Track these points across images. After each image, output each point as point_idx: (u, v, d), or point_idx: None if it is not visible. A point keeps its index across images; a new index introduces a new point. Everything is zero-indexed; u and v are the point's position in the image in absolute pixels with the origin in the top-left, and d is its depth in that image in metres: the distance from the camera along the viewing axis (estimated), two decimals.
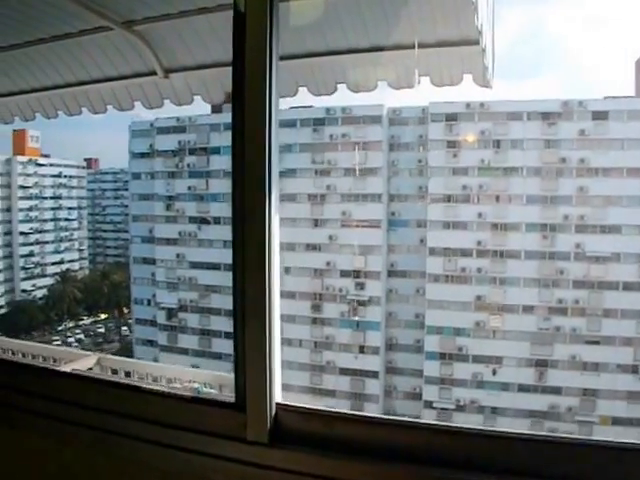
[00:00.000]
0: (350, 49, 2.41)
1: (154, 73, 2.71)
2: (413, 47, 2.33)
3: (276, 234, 1.13)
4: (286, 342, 20.99)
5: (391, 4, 2.28)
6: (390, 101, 20.19)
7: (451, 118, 19.92)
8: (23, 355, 4.04)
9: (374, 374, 20.76)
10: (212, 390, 3.51)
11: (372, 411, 20.32)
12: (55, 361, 4.08)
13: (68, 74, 2.94)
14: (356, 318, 21.15)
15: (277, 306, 1.18)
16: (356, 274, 21.30)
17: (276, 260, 1.16)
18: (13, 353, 3.93)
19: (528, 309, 19.29)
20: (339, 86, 2.50)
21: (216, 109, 21.43)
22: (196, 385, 3.55)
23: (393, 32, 2.37)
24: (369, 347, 20.93)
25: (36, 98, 3.18)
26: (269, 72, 1.07)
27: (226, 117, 20.85)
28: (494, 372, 19.34)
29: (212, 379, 3.85)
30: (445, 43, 2.29)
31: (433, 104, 19.94)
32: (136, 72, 2.79)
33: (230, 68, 1.98)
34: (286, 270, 21.08)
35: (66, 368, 3.39)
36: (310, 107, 20.97)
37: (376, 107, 20.36)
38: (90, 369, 3.77)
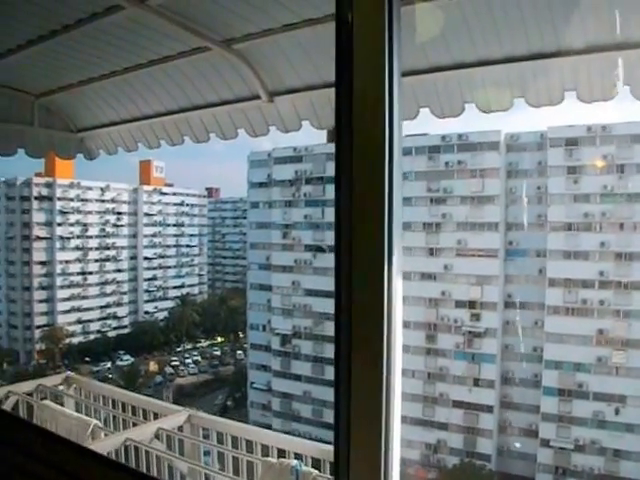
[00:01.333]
0: (480, 61, 3.00)
1: (258, 97, 3.72)
2: (557, 55, 2.84)
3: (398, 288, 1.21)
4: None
5: (532, 5, 2.77)
6: (504, 126, 31.60)
7: (571, 143, 30.58)
8: (113, 403, 5.06)
9: (488, 408, 31.94)
10: (313, 470, 3.45)
11: (486, 446, 31.59)
12: (145, 414, 4.58)
13: (169, 101, 4.25)
14: (471, 350, 32.73)
15: (398, 351, 1.21)
16: (471, 305, 32.92)
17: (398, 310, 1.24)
18: (103, 398, 5.17)
19: None
20: (466, 106, 3.10)
21: (332, 138, 35.44)
22: (294, 462, 3.43)
23: (532, 39, 2.86)
24: (484, 380, 32.22)
25: (137, 127, 4.71)
26: (388, 92, 1.21)
27: None
28: (617, 411, 28.90)
29: (316, 452, 3.70)
30: (597, 48, 2.75)
31: (552, 129, 30.83)
32: (238, 96, 3.88)
33: None
34: (402, 300, 33.64)
35: (152, 426, 4.30)
36: (425, 135, 33.52)
37: (493, 133, 31.99)
38: (180, 427, 4.37)
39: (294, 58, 3.51)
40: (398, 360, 1.27)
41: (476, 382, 32.30)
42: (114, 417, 4.96)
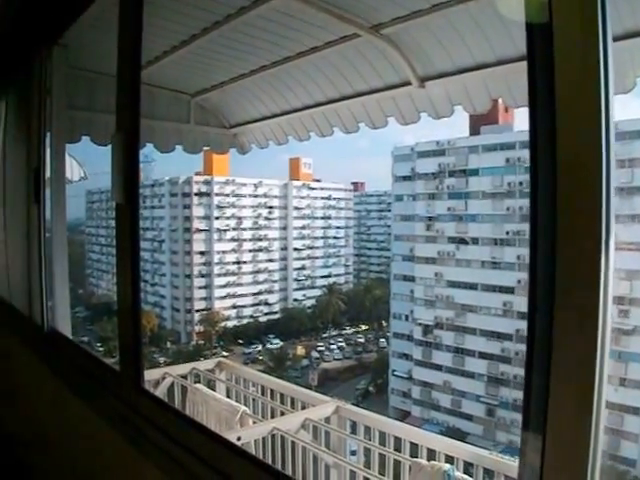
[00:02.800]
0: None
1: (408, 83, 3.90)
2: None
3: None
4: None
5: None
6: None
7: None
8: (262, 389, 5.33)
9: (635, 410, 33.71)
10: (467, 477, 3.40)
11: (630, 451, 33.29)
12: (292, 403, 5.04)
13: (317, 92, 4.56)
14: (618, 348, 34.59)
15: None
16: (620, 301, 34.82)
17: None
18: (253, 384, 5.50)
19: None
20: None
21: (474, 131, 39.10)
22: (447, 467, 3.37)
23: None
24: (631, 380, 34.03)
25: (287, 120, 5.10)
26: (603, 59, 1.05)
27: (485, 139, 38.10)
28: None
29: (468, 456, 3.69)
30: None
31: None
32: (388, 84, 4.07)
33: (499, 69, 3.41)
34: None
35: (299, 417, 4.43)
36: None
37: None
38: (327, 419, 4.48)
39: (445, 40, 3.60)
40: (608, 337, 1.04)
41: (622, 382, 34.03)
42: (262, 404, 5.31)
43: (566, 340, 1.10)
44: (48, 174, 3.41)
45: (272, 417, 5.09)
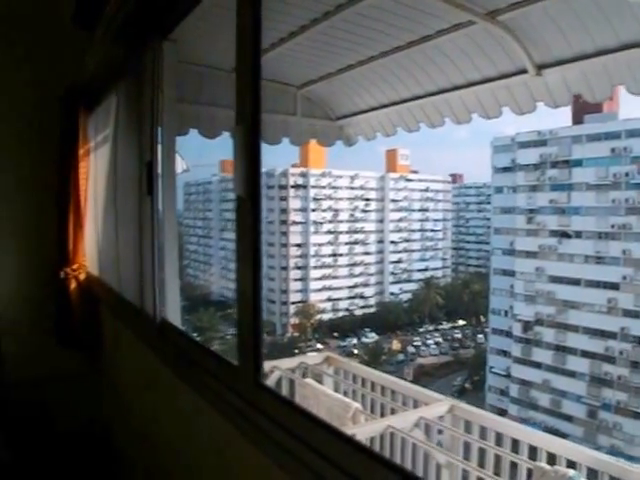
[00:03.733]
0: None
1: (523, 71, 3.91)
2: None
3: None
4: None
5: None
6: None
7: None
8: (372, 385, 5.39)
9: None
10: None
11: None
12: (404, 400, 5.10)
13: (427, 82, 4.63)
14: None
15: None
16: None
17: None
18: (363, 380, 5.55)
19: None
20: None
21: (577, 120, 39.60)
22: (572, 473, 3.31)
23: None
24: None
25: (396, 111, 5.21)
26: None
27: (588, 128, 38.53)
28: None
29: (592, 462, 3.60)
30: None
31: None
32: (502, 73, 4.10)
33: (621, 55, 3.25)
34: None
35: (413, 415, 4.47)
36: None
37: None
38: (441, 417, 4.52)
39: (564, 25, 3.57)
40: None
41: None
42: (372, 400, 5.37)
43: None
44: (160, 167, 3.47)
45: (382, 414, 5.20)
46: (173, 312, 3.47)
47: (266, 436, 2.02)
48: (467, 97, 4.59)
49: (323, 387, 5.53)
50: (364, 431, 4.46)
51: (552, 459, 3.89)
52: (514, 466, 4.04)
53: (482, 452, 4.33)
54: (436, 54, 4.35)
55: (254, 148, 2.16)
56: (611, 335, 36.80)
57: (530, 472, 3.87)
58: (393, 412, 5.16)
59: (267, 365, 5.77)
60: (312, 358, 6.62)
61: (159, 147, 3.48)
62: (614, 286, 37.08)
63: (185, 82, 4.81)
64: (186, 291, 54.13)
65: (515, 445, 4.23)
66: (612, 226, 37.67)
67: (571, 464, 3.80)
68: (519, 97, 4.23)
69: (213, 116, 5.25)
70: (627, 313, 36.30)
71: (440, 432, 4.60)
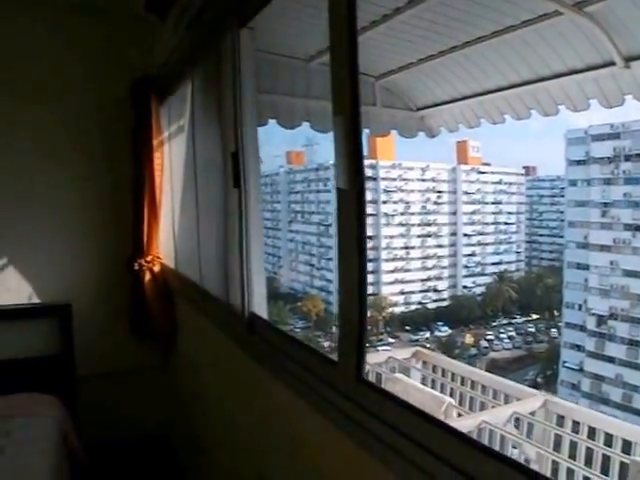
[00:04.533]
0: None
1: (611, 64, 4.01)
2: None
3: None
4: None
5: None
6: None
7: None
8: (462, 380, 5.53)
9: None
10: None
11: None
12: (495, 395, 5.30)
13: (511, 74, 4.71)
14: None
15: None
16: None
17: None
18: (452, 374, 5.73)
19: None
20: None
21: None
22: None
23: None
24: None
25: (479, 103, 5.33)
26: None
27: None
28: None
29: None
30: None
31: None
32: (588, 65, 4.20)
33: None
34: None
35: (507, 410, 4.69)
36: None
37: None
38: (532, 413, 4.68)
39: None
40: None
41: None
42: (461, 394, 5.62)
43: None
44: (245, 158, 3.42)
45: (471, 409, 5.34)
46: (260, 306, 3.52)
47: (371, 435, 1.99)
48: (553, 89, 4.77)
49: (413, 382, 5.67)
50: (458, 426, 3.56)
51: None
52: (606, 459, 4.28)
53: (573, 446, 4.53)
54: (520, 45, 4.51)
55: (355, 139, 2.16)
56: None
57: (623, 466, 4.04)
58: (483, 406, 5.39)
59: None
60: (400, 352, 6.90)
61: (243, 137, 3.46)
62: None
63: (262, 71, 4.80)
64: None
65: (609, 439, 4.41)
66: None
67: None
68: (607, 90, 4.35)
69: (291, 106, 5.44)
70: None
71: (531, 427, 4.75)
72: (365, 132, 5.85)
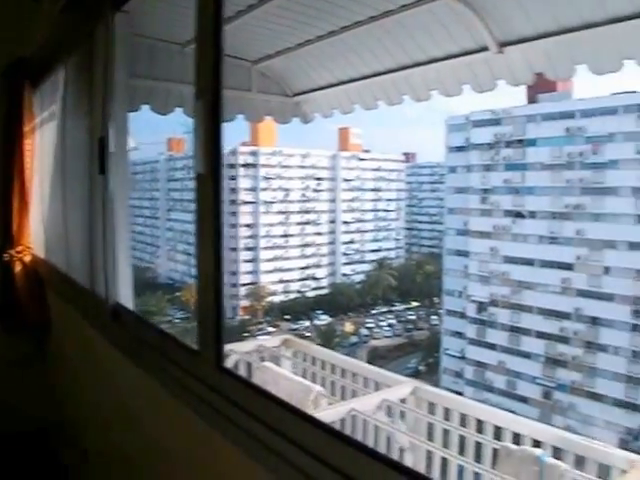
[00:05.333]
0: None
1: (485, 49, 3.85)
2: None
3: None
4: (600, 348, 35.87)
5: None
6: None
7: None
8: (332, 368, 5.38)
9: None
10: (561, 464, 3.51)
11: None
12: (365, 383, 5.08)
13: (388, 59, 4.53)
14: None
15: None
16: None
17: None
18: (322, 362, 5.51)
19: None
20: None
21: (531, 99, 38.68)
22: (539, 452, 3.56)
23: None
24: None
25: (354, 88, 5.07)
26: None
27: (543, 107, 37.68)
28: None
29: (557, 440, 3.81)
30: None
31: None
32: (464, 50, 4.03)
33: (584, 34, 3.27)
34: (605, 270, 36.10)
35: (376, 397, 4.49)
36: (634, 92, 35.05)
37: None
38: (403, 400, 4.52)
39: (526, 2, 3.58)
40: None
41: None
42: (333, 383, 5.35)
43: None
44: (112, 145, 3.38)
45: (343, 397, 5.16)
46: (126, 295, 3.45)
47: (230, 421, 2.01)
48: (427, 74, 4.49)
49: (283, 370, 5.45)
50: (327, 415, 4.28)
51: (517, 439, 3.87)
52: (479, 446, 3.99)
53: (446, 433, 4.24)
54: (397, 29, 4.25)
55: (215, 124, 2.14)
56: (565, 315, 36.53)
57: (496, 452, 3.86)
58: (354, 395, 5.08)
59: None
60: (270, 341, 6.48)
61: (112, 123, 3.43)
62: (568, 266, 36.77)
63: (140, 56, 4.71)
64: (133, 274, 52.61)
65: (480, 425, 4.18)
66: (566, 206, 37.06)
67: (536, 443, 3.81)
68: (480, 75, 4.15)
69: (166, 91, 5.13)
70: (581, 293, 36.09)
71: (403, 414, 4.51)
72: (239, 117, 5.65)
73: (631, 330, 35.05)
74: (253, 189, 52.11)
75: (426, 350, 45.10)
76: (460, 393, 38.59)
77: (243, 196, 52.21)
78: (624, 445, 33.48)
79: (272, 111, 5.92)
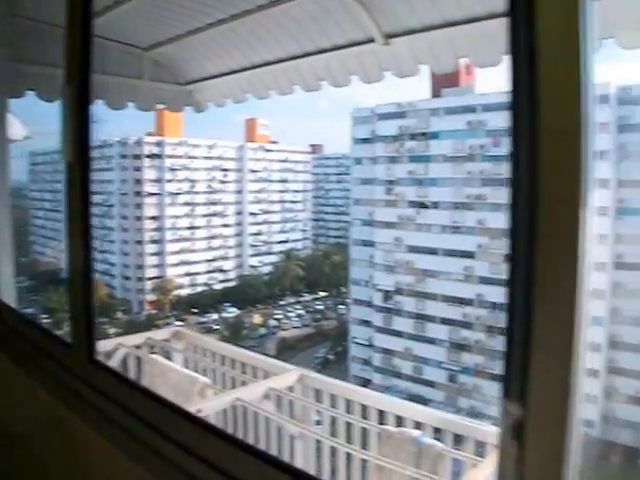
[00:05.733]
0: None
1: (372, 40, 3.85)
2: None
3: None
4: (501, 332, 36.39)
5: None
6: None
7: None
8: (222, 359, 5.26)
9: (593, 373, 34.40)
10: (437, 443, 3.50)
11: (589, 412, 34.21)
12: (254, 372, 5.02)
13: (278, 49, 4.47)
14: None
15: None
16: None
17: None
18: (213, 354, 5.40)
19: None
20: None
21: (435, 93, 38.50)
22: (416, 433, 3.55)
23: None
24: (589, 344, 34.73)
25: (246, 78, 4.94)
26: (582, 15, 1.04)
27: (446, 101, 37.58)
28: None
29: (438, 421, 3.85)
30: None
31: None
32: (352, 41, 4.00)
33: (466, 28, 3.34)
34: (506, 257, 36.65)
35: (262, 386, 4.42)
36: None
37: (601, 86, 33.64)
38: (290, 388, 4.48)
39: None
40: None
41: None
42: (223, 374, 5.26)
43: (545, 310, 1.15)
44: None
45: (233, 387, 5.08)
46: (6, 290, 3.30)
47: (100, 413, 1.97)
48: (317, 64, 4.41)
49: (170, 363, 5.27)
50: (212, 405, 4.25)
51: (400, 422, 3.88)
52: (365, 431, 3.99)
53: (334, 420, 4.24)
54: (286, 19, 4.14)
55: (84, 109, 2.05)
56: (468, 302, 36.71)
57: (379, 436, 3.89)
58: (242, 384, 4.93)
59: (111, 342, 5.47)
60: (160, 333, 6.25)
61: None
62: (470, 255, 36.90)
63: (24, 39, 4.42)
64: (34, 269, 49.48)
65: (364, 410, 4.15)
66: (467, 197, 37.21)
67: (417, 425, 3.83)
68: (368, 66, 4.10)
69: (53, 77, 4.65)
70: (482, 280, 36.29)
71: (292, 403, 4.47)
72: (131, 106, 5.39)
73: None
74: (159, 180, 49.31)
75: (334, 339, 44.27)
76: (369, 380, 38.37)
77: (148, 188, 49.44)
78: None
79: (165, 99, 5.74)
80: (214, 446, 1.61)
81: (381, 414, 4.09)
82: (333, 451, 4.12)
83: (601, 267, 35.01)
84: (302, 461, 4.20)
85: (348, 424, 4.17)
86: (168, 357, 5.62)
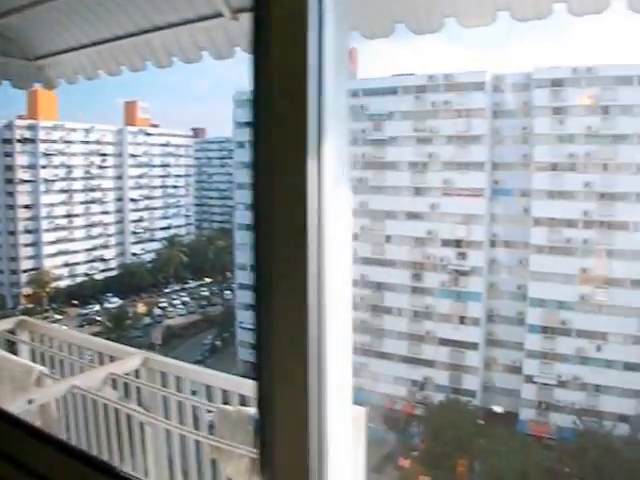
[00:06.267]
0: None
1: (220, 15, 3.57)
2: None
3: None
4: (385, 310, 35.59)
5: None
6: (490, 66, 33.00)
7: (557, 84, 32.10)
8: (69, 347, 4.97)
9: (474, 346, 34.45)
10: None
11: (471, 383, 34.11)
12: (101, 358, 4.69)
13: (127, 22, 4.13)
14: (457, 288, 34.91)
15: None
16: (457, 244, 34.98)
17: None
18: (60, 342, 5.07)
19: (637, 283, 30.95)
20: (446, 20, 2.97)
21: None
22: (253, 411, 3.05)
23: None
24: (469, 318, 34.63)
25: (97, 53, 4.59)
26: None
27: None
28: (598, 348, 31.42)
29: None
30: None
31: (538, 70, 32.31)
32: (200, 15, 3.74)
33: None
34: (387, 238, 35.65)
35: (101, 372, 4.18)
36: (412, 75, 34.83)
37: (479, 74, 33.44)
38: (136, 371, 4.25)
39: None
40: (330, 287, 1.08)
41: (462, 320, 34.75)
42: (71, 363, 4.90)
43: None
44: None
45: (72, 375, 4.76)
46: None
47: None
48: (167, 39, 4.12)
49: (5, 354, 4.66)
50: (47, 394, 4.04)
51: (244, 400, 3.79)
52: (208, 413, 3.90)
53: (180, 404, 4.01)
54: None
55: None
56: (354, 282, 35.04)
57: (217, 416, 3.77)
58: (83, 371, 4.64)
59: None
60: (2, 323, 5.51)
61: None
62: (355, 236, 35.36)
63: None
64: None
65: (209, 391, 4.04)
66: (349, 180, 35.49)
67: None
68: (218, 41, 3.91)
69: None
70: (366, 261, 35.46)
71: (139, 389, 4.21)
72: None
73: (411, 292, 35.34)
74: (32, 166, 44.86)
75: (221, 325, 42.08)
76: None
77: (21, 174, 44.86)
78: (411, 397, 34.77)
79: (10, 75, 5.22)
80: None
81: (225, 393, 3.91)
82: (183, 439, 3.92)
83: (477, 246, 35.06)
84: (152, 448, 3.94)
85: (195, 408, 3.92)
86: (12, 349, 5.23)
